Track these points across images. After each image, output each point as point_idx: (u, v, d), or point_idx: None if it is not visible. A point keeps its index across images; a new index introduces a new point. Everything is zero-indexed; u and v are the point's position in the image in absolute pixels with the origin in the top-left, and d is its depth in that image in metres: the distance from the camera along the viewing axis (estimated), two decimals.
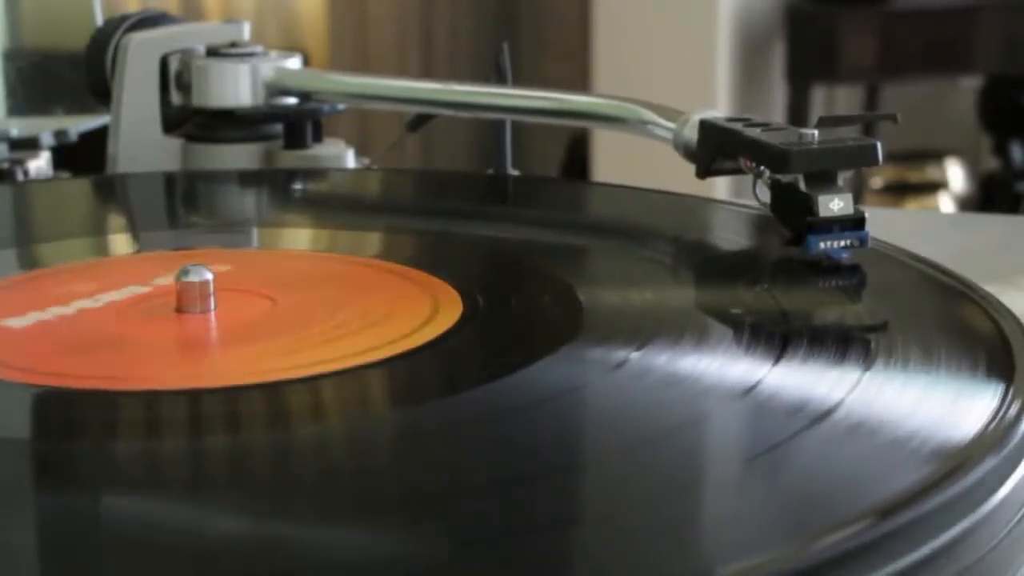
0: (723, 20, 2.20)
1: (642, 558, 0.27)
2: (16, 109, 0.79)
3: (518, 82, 0.64)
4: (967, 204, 2.56)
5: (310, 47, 2.41)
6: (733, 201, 0.58)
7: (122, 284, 0.45)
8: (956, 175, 2.61)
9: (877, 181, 2.56)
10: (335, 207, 0.60)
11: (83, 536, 0.28)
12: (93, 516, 0.29)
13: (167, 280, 0.42)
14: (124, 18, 0.70)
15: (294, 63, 0.68)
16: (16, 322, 0.42)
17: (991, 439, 0.31)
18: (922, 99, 2.62)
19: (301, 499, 0.30)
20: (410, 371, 0.38)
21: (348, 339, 0.40)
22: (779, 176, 0.46)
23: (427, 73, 2.42)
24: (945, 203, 2.57)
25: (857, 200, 0.46)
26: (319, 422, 0.35)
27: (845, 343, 0.39)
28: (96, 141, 0.70)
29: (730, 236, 0.54)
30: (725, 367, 0.37)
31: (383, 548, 0.28)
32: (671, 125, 0.55)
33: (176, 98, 0.68)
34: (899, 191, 2.57)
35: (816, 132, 0.46)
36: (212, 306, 0.41)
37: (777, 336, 0.39)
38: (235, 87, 0.67)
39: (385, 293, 0.44)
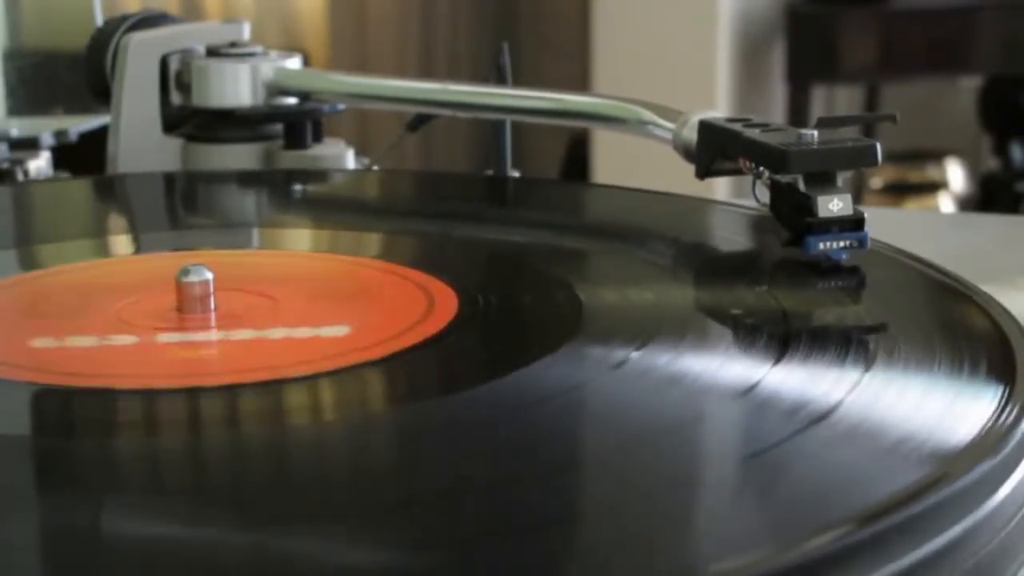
0: (723, 20, 2.20)
1: (638, 556, 0.27)
2: (16, 109, 0.79)
3: (518, 82, 0.64)
4: (967, 204, 2.55)
5: (310, 47, 2.41)
6: (733, 202, 0.58)
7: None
8: (956, 175, 2.61)
9: (877, 181, 2.56)
10: (335, 207, 0.60)
11: (83, 535, 0.28)
12: (93, 515, 0.29)
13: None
14: (124, 18, 0.70)
15: (294, 63, 0.68)
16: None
17: (989, 441, 0.31)
18: (922, 99, 2.62)
19: (299, 498, 0.30)
20: (410, 370, 0.38)
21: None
22: (778, 177, 0.46)
23: (427, 73, 2.41)
24: (945, 203, 2.57)
25: (857, 200, 0.46)
26: (318, 421, 0.35)
27: (844, 344, 0.39)
28: (96, 141, 0.70)
29: (730, 237, 0.54)
30: (724, 367, 0.37)
31: (382, 548, 0.28)
32: (671, 125, 0.55)
33: (176, 98, 0.68)
34: (899, 191, 2.57)
35: (815, 133, 0.46)
36: (212, 306, 0.41)
37: (776, 337, 0.39)
38: (235, 87, 0.67)
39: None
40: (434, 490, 0.30)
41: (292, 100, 0.68)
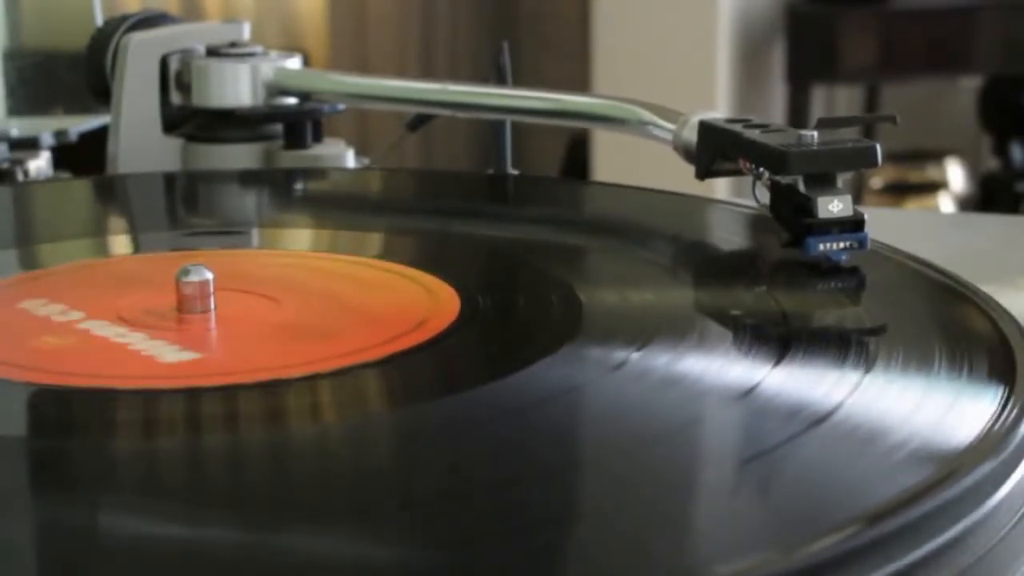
0: (723, 20, 2.20)
1: (638, 557, 0.27)
2: (16, 109, 0.79)
3: (518, 82, 0.64)
4: (967, 204, 2.55)
5: (310, 47, 2.41)
6: (733, 202, 0.58)
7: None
8: (956, 175, 2.61)
9: (877, 181, 2.56)
10: (335, 207, 0.60)
11: (82, 535, 0.28)
12: (91, 515, 0.29)
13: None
14: (124, 18, 0.70)
15: (294, 63, 0.68)
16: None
17: (990, 442, 0.31)
18: (922, 99, 2.62)
19: (300, 498, 0.30)
20: (409, 371, 0.38)
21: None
22: (778, 178, 0.46)
23: (427, 73, 2.41)
24: (945, 203, 2.57)
25: (857, 200, 0.46)
26: (318, 422, 0.35)
27: (844, 345, 0.39)
28: (96, 141, 0.70)
29: (730, 237, 0.54)
30: (724, 368, 0.37)
31: (382, 548, 0.28)
32: (671, 126, 0.55)
33: (176, 98, 0.68)
34: (899, 191, 2.57)
35: (815, 134, 0.46)
36: (212, 306, 0.41)
37: (776, 338, 0.39)
38: (235, 87, 0.67)
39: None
40: (434, 491, 0.30)
41: (292, 100, 0.68)
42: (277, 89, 0.67)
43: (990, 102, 2.54)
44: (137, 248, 0.54)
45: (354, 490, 0.31)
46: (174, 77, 0.68)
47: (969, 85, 2.63)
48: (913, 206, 2.53)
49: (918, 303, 0.44)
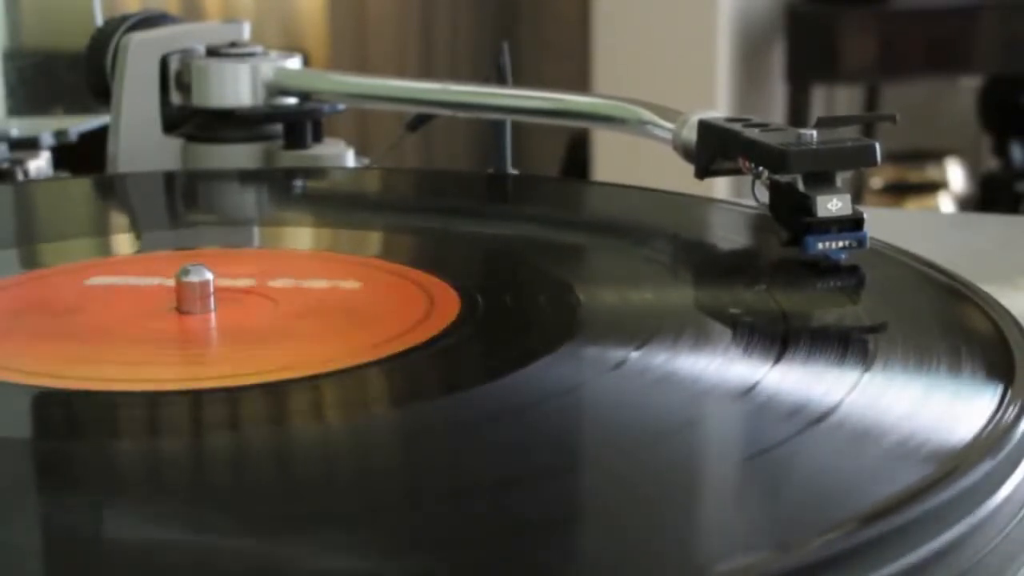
0: (723, 20, 2.20)
1: (639, 557, 0.27)
2: (16, 109, 0.79)
3: (518, 82, 0.64)
4: (967, 204, 2.55)
5: (310, 47, 2.41)
6: (732, 201, 0.58)
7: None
8: (956, 175, 2.61)
9: (877, 181, 2.56)
10: (334, 207, 0.60)
11: (83, 537, 0.28)
12: (93, 517, 0.29)
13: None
14: (124, 18, 0.70)
15: (294, 63, 0.68)
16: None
17: (989, 441, 0.31)
18: (922, 99, 2.62)
19: (300, 499, 0.30)
20: (409, 371, 0.38)
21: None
22: (778, 177, 0.46)
23: (427, 73, 2.41)
24: (945, 203, 2.57)
25: (857, 200, 0.46)
26: (318, 422, 0.35)
27: (844, 344, 0.39)
28: (96, 141, 0.70)
29: (729, 236, 0.54)
30: (724, 367, 0.37)
31: (382, 548, 0.28)
32: (670, 125, 0.55)
33: (176, 98, 0.68)
34: (899, 191, 2.57)
35: (815, 133, 0.46)
36: (212, 306, 0.41)
37: (776, 337, 0.39)
38: (235, 87, 0.67)
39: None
40: (434, 490, 0.30)
41: (292, 100, 0.68)
42: (277, 89, 0.67)
43: (990, 102, 2.54)
44: (137, 248, 0.54)
45: (354, 490, 0.31)
46: (174, 77, 0.68)
47: (969, 85, 2.63)
48: (913, 206, 2.53)
49: (917, 302, 0.44)
